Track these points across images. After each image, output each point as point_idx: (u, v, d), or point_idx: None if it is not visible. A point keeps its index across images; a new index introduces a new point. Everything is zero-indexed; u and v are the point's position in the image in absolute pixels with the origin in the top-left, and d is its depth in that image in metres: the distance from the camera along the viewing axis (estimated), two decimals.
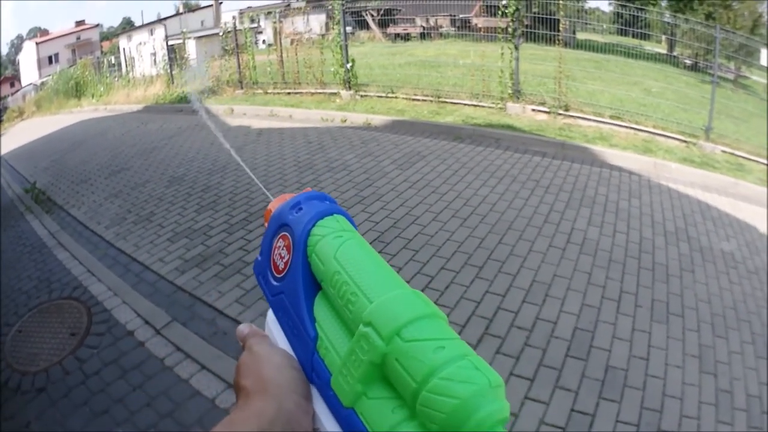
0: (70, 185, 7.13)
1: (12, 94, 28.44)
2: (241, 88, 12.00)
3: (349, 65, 9.98)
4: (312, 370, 0.43)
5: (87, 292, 4.12)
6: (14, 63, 36.13)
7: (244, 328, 0.52)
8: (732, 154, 6.88)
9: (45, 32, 36.09)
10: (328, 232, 0.44)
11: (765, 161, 6.46)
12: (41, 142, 11.30)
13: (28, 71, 31.86)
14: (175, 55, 14.88)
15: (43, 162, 8.91)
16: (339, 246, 0.43)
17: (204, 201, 5.66)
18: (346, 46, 10.04)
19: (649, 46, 12.25)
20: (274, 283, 0.48)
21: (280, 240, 0.48)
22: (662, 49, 12.87)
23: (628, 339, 3.23)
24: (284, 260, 0.46)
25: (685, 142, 7.15)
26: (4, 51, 39.83)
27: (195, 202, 5.68)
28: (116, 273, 4.37)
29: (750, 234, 4.91)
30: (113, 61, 17.92)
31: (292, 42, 12.89)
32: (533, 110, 8.29)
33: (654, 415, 2.68)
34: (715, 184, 5.95)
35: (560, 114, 8.02)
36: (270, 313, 0.50)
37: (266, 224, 0.51)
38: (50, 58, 31.27)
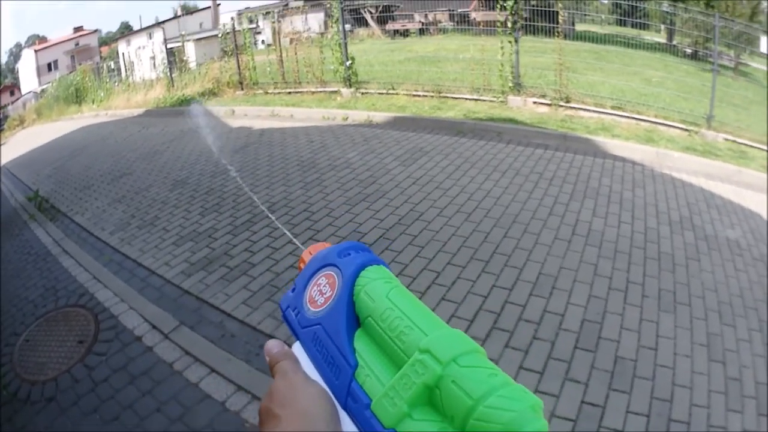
0: (73, 192, 7.12)
1: (12, 102, 28.45)
2: (242, 89, 11.94)
3: (348, 63, 9.95)
4: (348, 395, 0.44)
5: (93, 298, 4.10)
6: (14, 71, 36.01)
7: (273, 347, 0.51)
8: (734, 141, 6.84)
9: (43, 39, 36.00)
10: (378, 277, 0.48)
11: (767, 148, 6.43)
12: (42, 150, 11.26)
13: (28, 79, 31.82)
14: (174, 58, 14.79)
15: (46, 169, 8.88)
16: (390, 289, 0.47)
17: (208, 204, 5.65)
18: (346, 43, 10.02)
19: (649, 36, 12.21)
20: (309, 316, 0.50)
21: (323, 278, 0.51)
22: (661, 38, 12.80)
23: (636, 329, 3.23)
24: (325, 296, 0.50)
25: (686, 130, 7.11)
26: (3, 59, 39.86)
27: (199, 204, 5.67)
28: (122, 278, 4.35)
29: (754, 221, 4.89)
30: (113, 66, 17.79)
31: (291, 41, 12.84)
32: (534, 103, 8.26)
33: (664, 405, 2.67)
34: (719, 172, 5.92)
35: (561, 106, 7.99)
36: (296, 345, 0.51)
37: (301, 267, 0.56)
38: (49, 65, 31.20)
